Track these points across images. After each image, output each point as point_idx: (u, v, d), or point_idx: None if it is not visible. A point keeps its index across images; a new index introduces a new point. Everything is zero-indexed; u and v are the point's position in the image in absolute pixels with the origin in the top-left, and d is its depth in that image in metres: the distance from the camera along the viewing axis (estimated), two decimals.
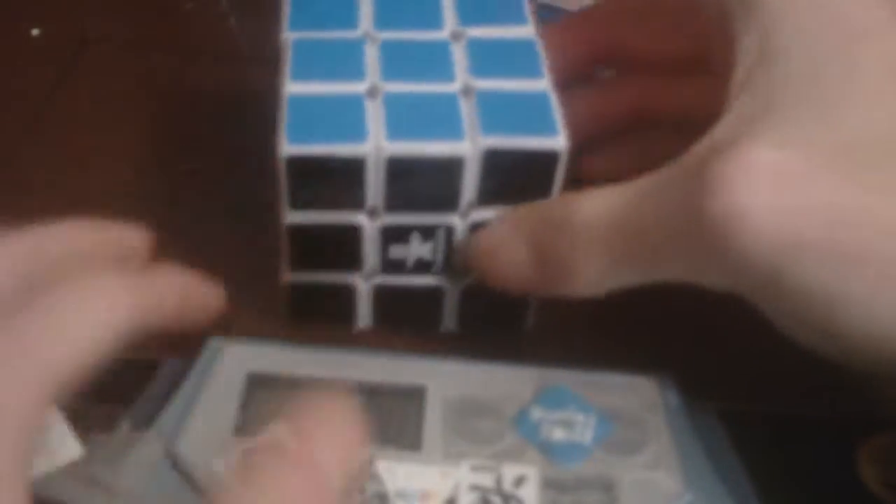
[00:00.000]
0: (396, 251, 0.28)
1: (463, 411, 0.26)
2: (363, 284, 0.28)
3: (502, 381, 0.26)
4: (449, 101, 0.27)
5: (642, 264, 0.24)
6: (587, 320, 0.29)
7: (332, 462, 0.19)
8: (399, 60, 0.27)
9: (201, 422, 0.25)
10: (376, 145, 0.25)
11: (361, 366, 0.27)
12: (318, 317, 0.29)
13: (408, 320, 0.29)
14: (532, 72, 0.27)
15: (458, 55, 0.28)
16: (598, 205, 0.25)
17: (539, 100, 0.27)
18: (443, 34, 0.28)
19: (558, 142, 0.26)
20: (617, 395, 0.26)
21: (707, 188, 0.22)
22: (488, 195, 0.27)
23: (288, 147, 0.25)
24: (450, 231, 0.27)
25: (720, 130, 0.23)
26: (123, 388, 0.25)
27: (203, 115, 0.36)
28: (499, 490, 0.24)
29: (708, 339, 0.29)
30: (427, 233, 0.27)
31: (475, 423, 0.25)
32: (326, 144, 0.25)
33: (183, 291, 0.24)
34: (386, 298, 0.29)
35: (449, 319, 0.29)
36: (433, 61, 0.28)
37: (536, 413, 0.26)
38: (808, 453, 0.27)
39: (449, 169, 0.26)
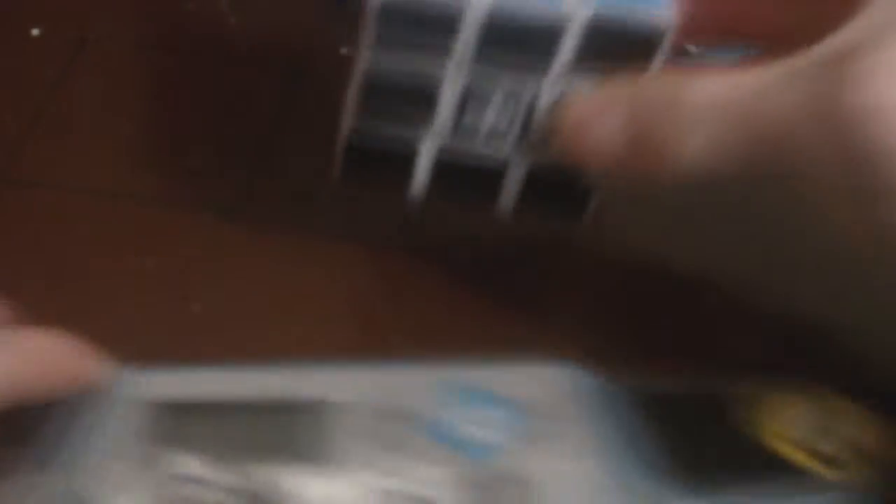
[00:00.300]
0: (472, 114, 0.27)
1: (368, 419, 0.25)
2: (428, 147, 0.28)
3: (405, 383, 0.26)
4: None
5: (757, 148, 0.23)
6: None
7: None
8: None
9: (102, 455, 0.24)
10: None
11: (264, 383, 0.25)
12: (372, 180, 0.29)
13: (464, 195, 0.28)
14: None
15: None
16: (714, 86, 0.24)
17: None
18: None
19: (663, 18, 0.25)
20: (529, 385, 0.25)
21: (848, 82, 0.22)
22: (584, 64, 0.26)
23: None
24: (535, 98, 0.26)
25: (855, 30, 0.23)
26: (27, 428, 0.24)
27: (203, 115, 0.36)
28: (412, 495, 0.23)
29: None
30: (510, 97, 0.26)
31: (382, 430, 0.25)
32: None
33: (50, 357, 0.24)
34: (447, 167, 0.28)
35: (507, 199, 0.28)
36: None
37: (445, 412, 0.25)
38: (732, 431, 0.26)
39: (550, 28, 0.25)
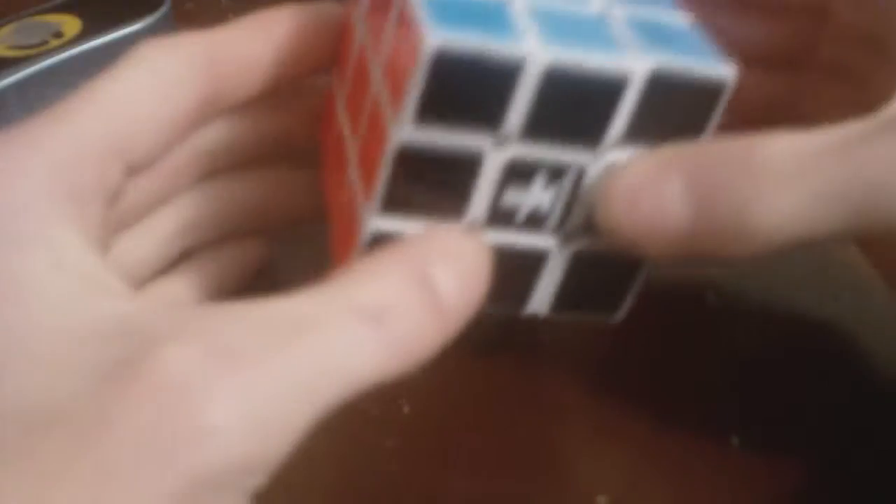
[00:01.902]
0: (513, 195, 0.23)
1: None
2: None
3: None
4: (599, 21, 0.22)
5: (868, 202, 0.20)
6: None
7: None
8: None
9: None
10: (535, 49, 0.21)
11: None
12: None
13: (495, 296, 0.22)
14: (669, 7, 0.24)
15: None
16: (797, 139, 0.21)
17: (689, 31, 0.23)
18: None
19: (728, 70, 0.22)
20: None
21: None
22: (638, 129, 0.22)
23: (434, 37, 0.20)
24: (580, 174, 0.22)
25: None
26: None
27: None
28: None
29: None
30: (555, 174, 0.22)
31: None
32: (482, 40, 0.20)
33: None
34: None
35: (540, 298, 0.25)
36: None
37: None
38: None
39: (609, 88, 0.21)
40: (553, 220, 0.23)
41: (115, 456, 0.17)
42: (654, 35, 0.22)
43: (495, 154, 0.22)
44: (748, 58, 0.29)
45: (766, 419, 0.29)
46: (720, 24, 0.29)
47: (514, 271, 0.24)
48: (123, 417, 0.17)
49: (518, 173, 0.22)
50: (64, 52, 0.38)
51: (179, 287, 0.28)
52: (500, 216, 0.23)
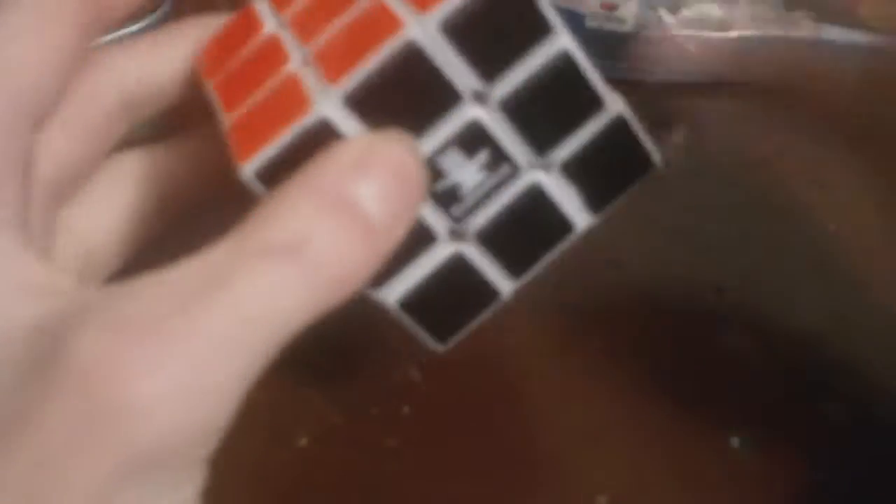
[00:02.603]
0: (450, 158, 0.22)
1: None
2: None
3: None
4: None
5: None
6: None
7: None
8: None
9: None
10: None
11: None
12: None
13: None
14: None
15: None
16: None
17: None
18: None
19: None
20: None
21: None
22: (579, 166, 0.23)
23: None
24: (509, 177, 0.22)
25: None
26: None
27: (202, 115, 0.36)
28: None
29: None
30: (495, 161, 0.22)
31: None
32: None
33: None
34: None
35: (398, 285, 0.23)
36: None
37: None
38: None
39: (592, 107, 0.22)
40: (462, 207, 0.22)
41: (44, 451, 0.17)
42: None
43: (468, 106, 0.21)
44: None
45: (766, 419, 0.29)
46: None
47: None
48: (46, 411, 0.17)
49: (470, 139, 0.21)
50: None
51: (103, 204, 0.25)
52: (427, 173, 0.21)
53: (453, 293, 0.23)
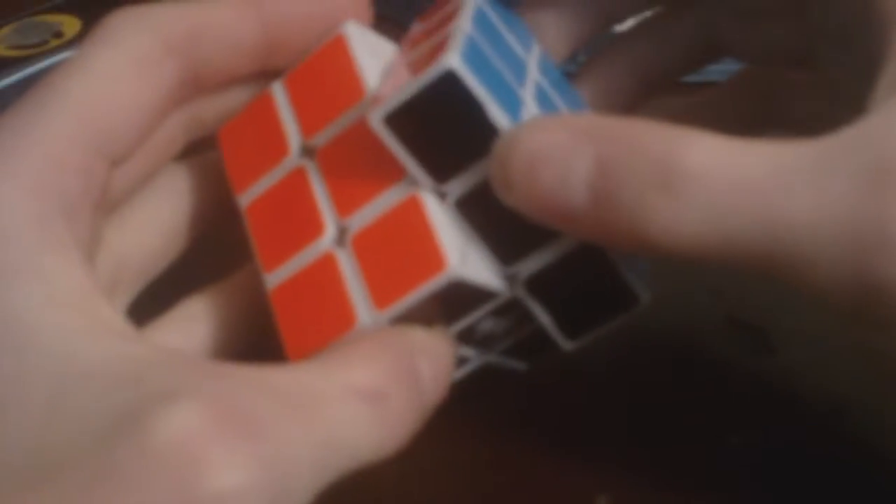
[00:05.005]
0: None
1: None
2: None
3: None
4: None
5: (766, 245, 0.19)
6: None
7: None
8: None
9: None
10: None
11: None
12: None
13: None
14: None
15: None
16: (721, 154, 0.19)
17: None
18: None
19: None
20: None
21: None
22: (545, 285, 0.24)
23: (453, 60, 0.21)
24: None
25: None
26: None
27: None
28: None
29: None
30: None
31: None
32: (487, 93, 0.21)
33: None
34: None
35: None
36: None
37: None
38: None
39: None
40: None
41: None
42: None
43: (426, 192, 0.23)
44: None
45: (766, 419, 0.29)
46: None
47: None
48: (129, 474, 0.16)
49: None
50: (64, 52, 0.39)
51: (177, 336, 0.25)
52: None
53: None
